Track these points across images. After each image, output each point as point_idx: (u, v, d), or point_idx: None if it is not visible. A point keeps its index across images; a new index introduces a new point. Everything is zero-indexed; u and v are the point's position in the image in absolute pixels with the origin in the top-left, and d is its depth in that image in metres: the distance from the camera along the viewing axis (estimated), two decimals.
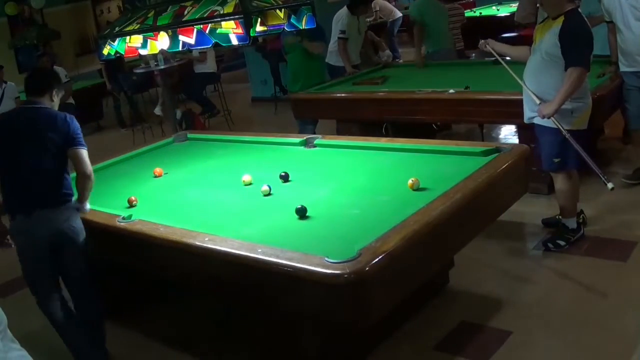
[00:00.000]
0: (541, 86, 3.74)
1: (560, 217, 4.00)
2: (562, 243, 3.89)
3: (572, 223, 3.92)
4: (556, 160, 3.78)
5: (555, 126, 3.63)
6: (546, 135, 3.78)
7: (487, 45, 4.17)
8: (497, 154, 3.24)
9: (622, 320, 3.13)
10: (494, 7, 11.01)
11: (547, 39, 3.68)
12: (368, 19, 7.27)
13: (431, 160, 3.44)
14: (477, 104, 4.77)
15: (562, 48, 3.59)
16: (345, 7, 6.62)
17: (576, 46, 3.60)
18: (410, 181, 3.01)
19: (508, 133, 6.29)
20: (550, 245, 3.90)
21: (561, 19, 3.63)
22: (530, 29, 6.04)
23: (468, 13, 11.03)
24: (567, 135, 3.57)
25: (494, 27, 9.51)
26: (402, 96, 5.28)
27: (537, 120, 3.80)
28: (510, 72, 3.97)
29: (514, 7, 10.57)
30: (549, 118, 3.64)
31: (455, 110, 4.93)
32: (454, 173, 3.03)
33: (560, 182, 3.87)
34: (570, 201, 3.90)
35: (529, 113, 3.90)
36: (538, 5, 3.90)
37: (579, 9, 3.77)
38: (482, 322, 3.30)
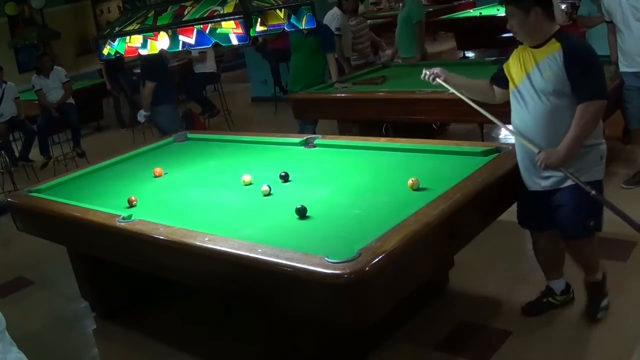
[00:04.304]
0: (555, 139, 2.88)
1: (589, 280, 3.21)
2: (605, 302, 3.20)
3: (600, 275, 3.22)
4: (591, 223, 3.00)
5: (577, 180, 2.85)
6: (575, 196, 2.92)
7: (436, 78, 3.21)
8: (497, 154, 3.24)
9: (622, 320, 3.14)
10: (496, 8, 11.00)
11: (548, 74, 2.85)
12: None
13: (431, 160, 3.44)
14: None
15: (572, 80, 2.81)
16: (336, 8, 6.85)
17: (589, 73, 2.83)
18: (410, 181, 3.01)
19: (508, 133, 6.28)
20: (600, 314, 3.18)
21: (554, 44, 2.86)
22: None
23: (468, 13, 11.08)
24: (592, 193, 2.80)
25: (494, 27, 9.53)
26: (402, 96, 5.28)
27: (560, 183, 2.96)
28: (473, 104, 3.20)
29: None
30: (555, 169, 2.88)
31: (455, 110, 4.91)
32: (454, 173, 3.03)
33: (590, 246, 3.11)
34: (598, 260, 3.20)
35: (539, 180, 3.01)
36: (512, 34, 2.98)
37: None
38: (482, 322, 3.30)
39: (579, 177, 2.84)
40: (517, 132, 3.00)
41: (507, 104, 3.15)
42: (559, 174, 2.90)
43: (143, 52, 3.54)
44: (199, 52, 8.43)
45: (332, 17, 6.77)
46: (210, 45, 3.23)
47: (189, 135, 4.91)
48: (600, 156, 2.96)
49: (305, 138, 4.13)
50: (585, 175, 2.88)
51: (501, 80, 3.12)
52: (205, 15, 3.16)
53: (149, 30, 3.41)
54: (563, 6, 7.28)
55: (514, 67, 3.01)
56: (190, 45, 3.28)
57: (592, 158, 2.93)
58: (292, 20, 3.27)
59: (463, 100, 3.24)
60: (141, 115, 6.33)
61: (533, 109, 2.92)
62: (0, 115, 7.91)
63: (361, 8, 13.62)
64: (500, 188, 2.99)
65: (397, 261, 2.35)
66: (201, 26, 3.16)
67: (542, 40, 2.89)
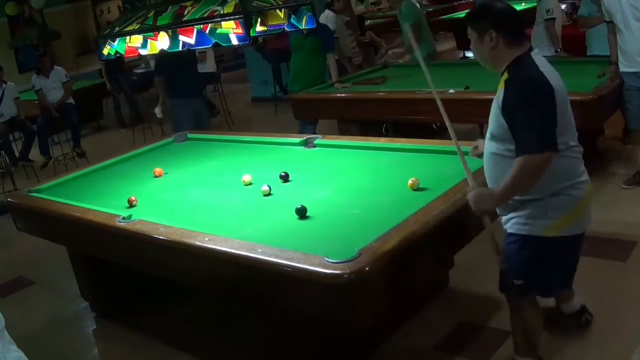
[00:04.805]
0: (498, 184, 2.49)
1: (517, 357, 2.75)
2: None
3: None
4: (517, 282, 2.54)
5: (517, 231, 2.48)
6: (508, 240, 2.58)
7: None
8: None
9: (622, 320, 3.13)
10: None
11: (492, 111, 2.46)
12: None
13: (431, 160, 3.44)
14: (477, 104, 4.76)
15: (509, 126, 2.34)
16: (327, 10, 6.81)
17: (528, 120, 2.28)
18: (410, 181, 3.01)
19: None
20: None
21: (504, 77, 2.45)
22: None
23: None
24: (504, 266, 2.48)
25: None
26: (402, 96, 5.28)
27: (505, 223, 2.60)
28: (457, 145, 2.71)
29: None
30: (479, 214, 2.50)
31: (455, 110, 4.91)
32: (454, 173, 3.03)
33: (518, 315, 2.66)
34: (533, 334, 2.68)
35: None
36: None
37: (534, 53, 2.48)
38: (482, 322, 3.30)
39: (517, 229, 2.48)
40: (465, 162, 2.62)
41: None
42: (504, 213, 2.56)
43: (143, 52, 3.55)
44: (199, 52, 8.42)
45: (326, 19, 6.76)
46: (210, 45, 3.24)
47: (189, 135, 4.91)
48: (544, 209, 2.42)
49: (305, 138, 4.13)
50: (525, 227, 2.47)
51: None
52: (205, 15, 3.17)
53: (149, 30, 3.42)
54: (563, 6, 7.28)
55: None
56: (190, 45, 3.28)
57: (532, 210, 2.45)
58: (292, 20, 3.28)
59: (463, 101, 3.23)
60: (157, 110, 6.33)
61: (486, 145, 2.57)
62: (0, 115, 7.91)
63: (361, 8, 13.70)
64: None
65: (397, 261, 2.35)
66: (201, 26, 3.16)
67: (500, 70, 2.48)
